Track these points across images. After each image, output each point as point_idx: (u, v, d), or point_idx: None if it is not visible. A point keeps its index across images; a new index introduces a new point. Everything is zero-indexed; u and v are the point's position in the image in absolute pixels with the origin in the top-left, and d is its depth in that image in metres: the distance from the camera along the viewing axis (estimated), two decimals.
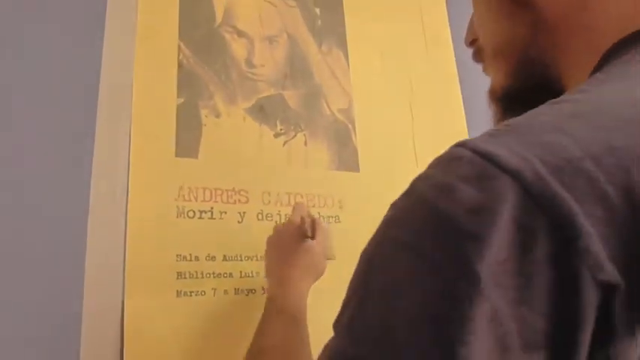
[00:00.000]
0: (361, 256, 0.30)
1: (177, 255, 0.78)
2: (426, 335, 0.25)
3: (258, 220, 0.87)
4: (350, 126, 1.01)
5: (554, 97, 0.33)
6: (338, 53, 1.05)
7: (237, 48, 0.94)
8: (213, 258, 0.81)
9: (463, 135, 1.13)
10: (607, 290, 0.24)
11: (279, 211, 0.89)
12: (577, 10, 0.40)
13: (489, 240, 0.25)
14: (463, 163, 0.27)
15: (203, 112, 0.87)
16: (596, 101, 0.31)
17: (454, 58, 1.19)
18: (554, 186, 0.25)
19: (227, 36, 0.94)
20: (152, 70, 0.85)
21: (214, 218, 0.83)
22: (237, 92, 0.92)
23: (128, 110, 0.81)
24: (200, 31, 0.91)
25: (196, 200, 0.82)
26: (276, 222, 0.88)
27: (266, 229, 0.83)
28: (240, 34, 0.95)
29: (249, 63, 0.94)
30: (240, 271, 0.83)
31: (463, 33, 0.51)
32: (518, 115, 0.31)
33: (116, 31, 0.83)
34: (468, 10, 0.50)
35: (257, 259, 0.84)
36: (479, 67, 0.50)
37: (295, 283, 0.70)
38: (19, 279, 0.69)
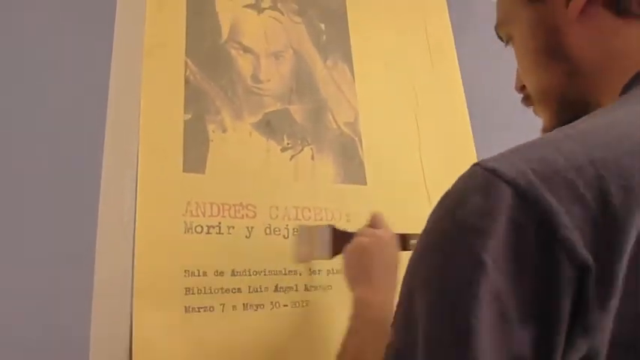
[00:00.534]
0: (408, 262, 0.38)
1: (185, 270, 0.78)
2: (443, 311, 0.33)
3: (266, 234, 0.86)
4: (356, 139, 1.01)
5: None
6: (343, 67, 1.06)
7: (244, 64, 0.95)
8: (221, 273, 0.81)
9: (469, 145, 1.13)
10: (582, 270, 0.31)
11: (287, 225, 0.88)
12: (609, 44, 0.46)
13: (492, 234, 0.32)
14: (475, 178, 0.35)
15: (210, 128, 0.88)
16: (595, 124, 0.39)
17: (458, 67, 1.19)
18: (542, 191, 0.32)
19: (233, 52, 0.95)
20: (159, 87, 0.85)
21: (222, 233, 0.83)
22: (244, 107, 0.92)
23: (136, 126, 0.81)
24: (206, 48, 0.92)
25: (204, 215, 0.82)
26: (284, 236, 0.87)
27: (274, 243, 0.82)
28: (246, 49, 0.96)
29: (256, 78, 0.95)
30: (249, 286, 0.82)
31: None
32: None
33: (123, 48, 0.85)
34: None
35: (265, 274, 0.84)
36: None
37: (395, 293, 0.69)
38: (26, 292, 0.69)
